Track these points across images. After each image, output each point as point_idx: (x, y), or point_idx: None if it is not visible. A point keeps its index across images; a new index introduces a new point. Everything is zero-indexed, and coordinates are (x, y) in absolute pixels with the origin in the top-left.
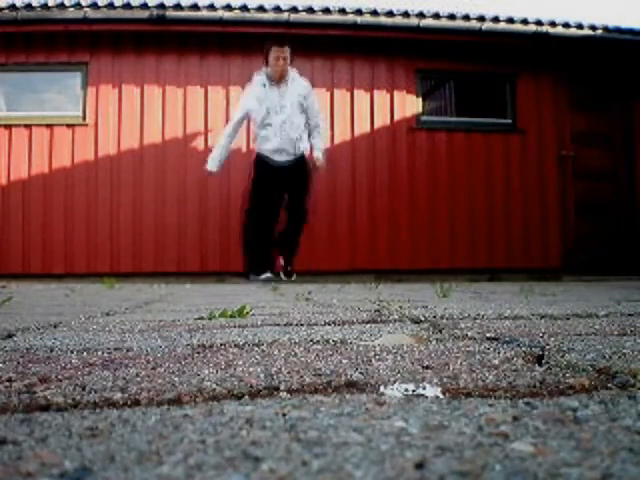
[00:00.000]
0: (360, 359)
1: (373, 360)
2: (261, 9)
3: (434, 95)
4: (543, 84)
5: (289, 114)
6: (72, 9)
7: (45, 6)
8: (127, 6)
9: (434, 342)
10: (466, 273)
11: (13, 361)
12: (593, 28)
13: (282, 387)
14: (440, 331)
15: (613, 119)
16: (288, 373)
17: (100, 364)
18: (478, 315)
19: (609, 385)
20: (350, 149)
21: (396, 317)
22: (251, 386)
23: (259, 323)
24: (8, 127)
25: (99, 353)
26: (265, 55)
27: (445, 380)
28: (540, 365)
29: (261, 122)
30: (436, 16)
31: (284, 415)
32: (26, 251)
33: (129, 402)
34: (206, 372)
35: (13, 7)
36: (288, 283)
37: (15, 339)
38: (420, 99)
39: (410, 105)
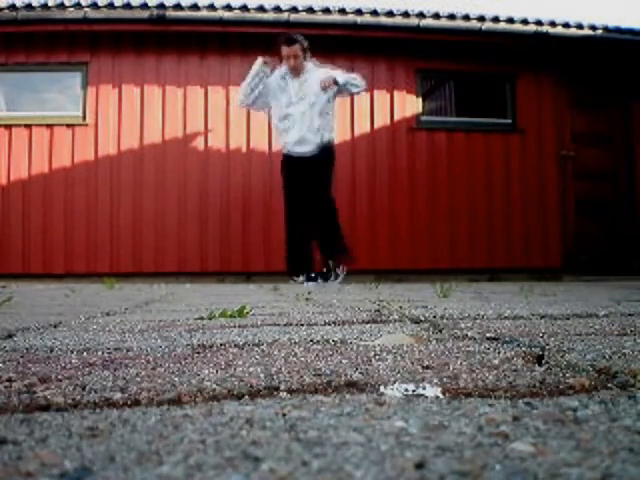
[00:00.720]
0: (360, 359)
1: (373, 360)
2: (261, 9)
3: (434, 95)
4: (543, 84)
5: (310, 103)
6: (72, 9)
7: (45, 6)
8: (127, 6)
9: (434, 342)
10: (466, 273)
11: (13, 361)
12: (593, 28)
13: (282, 387)
14: (440, 331)
15: (613, 119)
16: (288, 373)
17: (100, 364)
18: (478, 315)
19: (609, 385)
20: (350, 149)
21: (396, 317)
22: (251, 386)
23: (259, 323)
24: (8, 127)
25: (99, 353)
26: (278, 52)
27: (445, 380)
28: (540, 365)
29: (281, 114)
30: (436, 16)
31: (284, 415)
32: (26, 251)
33: (129, 402)
34: (206, 372)
35: (13, 7)
36: (323, 286)
37: (15, 339)
38: (420, 99)
39: (410, 105)
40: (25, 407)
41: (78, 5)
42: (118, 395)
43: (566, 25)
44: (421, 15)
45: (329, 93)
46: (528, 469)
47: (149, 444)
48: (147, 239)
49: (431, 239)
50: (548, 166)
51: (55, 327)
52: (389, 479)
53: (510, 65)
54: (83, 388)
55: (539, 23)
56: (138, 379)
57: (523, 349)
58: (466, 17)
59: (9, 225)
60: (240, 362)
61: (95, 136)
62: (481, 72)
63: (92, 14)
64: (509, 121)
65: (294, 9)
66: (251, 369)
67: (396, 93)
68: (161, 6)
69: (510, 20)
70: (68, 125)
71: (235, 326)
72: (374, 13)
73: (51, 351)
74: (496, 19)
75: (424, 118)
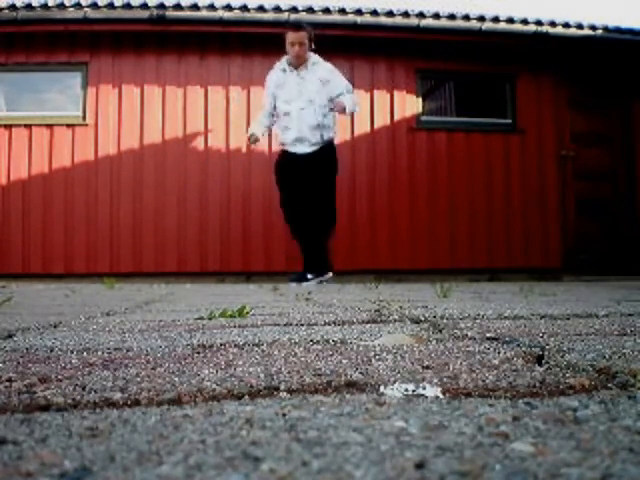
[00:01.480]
0: (360, 359)
1: (373, 360)
2: (261, 9)
3: (434, 95)
4: (543, 84)
5: (309, 100)
6: (72, 9)
7: (45, 6)
8: (127, 6)
9: (434, 342)
10: (466, 273)
11: (13, 361)
12: (593, 28)
13: (282, 387)
14: (440, 331)
15: (613, 119)
16: (288, 373)
17: (100, 364)
18: (478, 315)
19: (609, 385)
20: (350, 149)
21: (396, 317)
22: (251, 386)
23: (259, 323)
24: (8, 127)
25: (99, 353)
26: (284, 41)
27: (445, 380)
28: (540, 365)
29: (279, 111)
30: (436, 16)
31: (284, 415)
32: (26, 251)
33: (129, 402)
34: (206, 372)
35: (13, 7)
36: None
37: (15, 339)
38: (420, 99)
39: (410, 105)
40: (25, 407)
41: (78, 5)
42: (118, 395)
43: (566, 25)
44: (421, 15)
45: (328, 95)
46: (528, 469)
47: (149, 444)
48: (147, 239)
49: (431, 239)
50: (548, 166)
51: (55, 327)
52: (389, 479)
53: (510, 65)
54: (83, 388)
55: (539, 23)
56: (138, 379)
57: (523, 349)
58: (466, 17)
59: (9, 225)
60: (240, 362)
61: (95, 136)
62: (481, 72)
63: (92, 14)
64: (509, 121)
65: (294, 9)
66: (251, 369)
67: (396, 93)
68: (161, 6)
69: (510, 20)
70: (68, 125)
71: (235, 326)
72: (374, 13)
73: (51, 351)
74: (496, 19)
75: (424, 118)
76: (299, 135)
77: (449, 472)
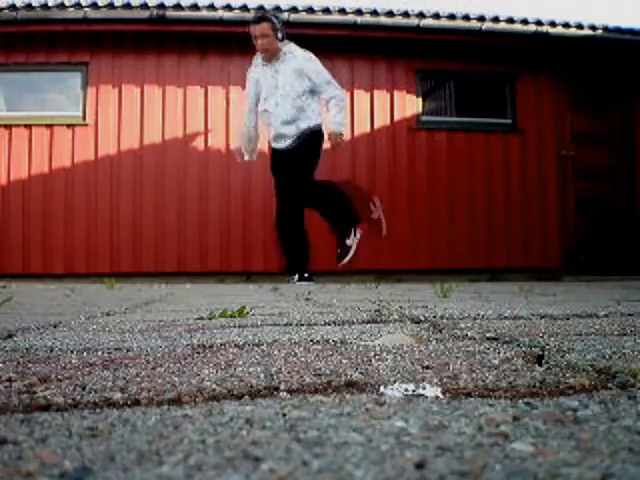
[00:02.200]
0: (360, 359)
1: (373, 360)
2: (261, 9)
3: (434, 95)
4: (543, 84)
5: (283, 94)
6: (72, 9)
7: (45, 6)
8: (127, 6)
9: (434, 342)
10: (466, 273)
11: (13, 361)
12: (593, 28)
13: (282, 387)
14: (440, 331)
15: (613, 119)
16: (288, 373)
17: (100, 364)
18: (478, 315)
19: (609, 385)
20: (350, 149)
21: (396, 317)
22: (251, 386)
23: (259, 323)
24: (8, 127)
25: (99, 353)
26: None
27: (445, 380)
28: (540, 365)
29: (261, 108)
30: (436, 16)
31: (284, 415)
32: (26, 251)
33: (129, 402)
34: (206, 372)
35: (13, 7)
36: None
37: (15, 339)
38: (420, 99)
39: (410, 105)
40: (25, 407)
41: (78, 5)
42: (118, 395)
43: (566, 25)
44: (421, 15)
45: (305, 85)
46: (528, 469)
47: (149, 444)
48: (147, 239)
49: (431, 239)
50: (548, 166)
51: (55, 327)
52: (389, 479)
53: (510, 65)
54: (83, 388)
55: (539, 23)
56: (138, 379)
57: (523, 349)
58: (466, 17)
59: (9, 225)
60: (240, 362)
61: (95, 136)
62: (481, 72)
63: (92, 14)
64: (509, 121)
65: (294, 9)
66: (251, 369)
67: (396, 93)
68: (161, 6)
69: (510, 20)
70: (68, 125)
71: (235, 326)
72: (374, 13)
73: (51, 351)
74: (496, 19)
75: (424, 118)
76: (277, 131)
77: (449, 472)
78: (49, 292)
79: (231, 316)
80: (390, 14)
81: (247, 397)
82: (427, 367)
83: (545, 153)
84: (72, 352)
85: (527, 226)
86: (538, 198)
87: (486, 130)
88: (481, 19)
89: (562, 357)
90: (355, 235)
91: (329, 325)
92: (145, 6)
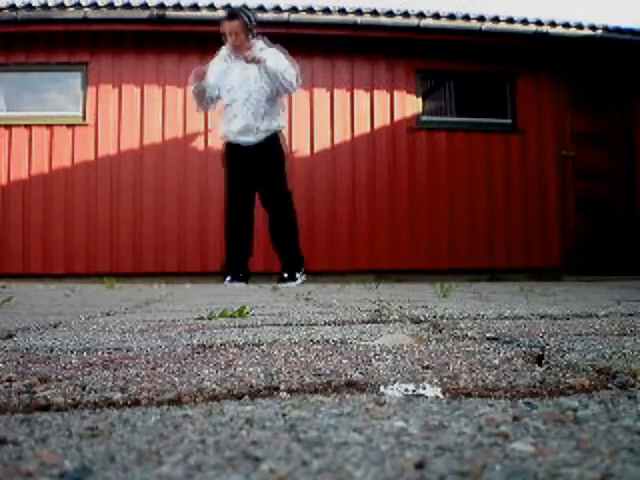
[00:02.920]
0: (360, 359)
1: (373, 360)
2: (261, 9)
3: (434, 95)
4: (543, 84)
5: (253, 89)
6: (72, 9)
7: (45, 6)
8: (127, 6)
9: (434, 342)
10: (466, 273)
11: (13, 361)
12: (593, 28)
13: (282, 387)
14: (440, 331)
15: (613, 119)
16: (288, 373)
17: (100, 364)
18: (478, 315)
19: (609, 385)
20: (350, 149)
21: (396, 317)
22: (251, 386)
23: (259, 323)
24: (8, 127)
25: (99, 353)
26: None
27: (445, 380)
28: (540, 365)
29: (224, 101)
30: (436, 16)
31: (284, 415)
32: (26, 251)
33: (129, 402)
34: (206, 372)
35: (13, 7)
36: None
37: (15, 339)
38: (420, 99)
39: (410, 105)
40: (25, 407)
41: (78, 5)
42: (118, 395)
43: (566, 25)
44: (421, 15)
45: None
46: (528, 469)
47: (149, 444)
48: (147, 239)
49: (431, 239)
50: (548, 166)
51: (55, 327)
52: (389, 479)
53: (510, 65)
54: (83, 388)
55: (539, 23)
56: (138, 379)
57: (523, 349)
58: (466, 17)
59: (9, 225)
60: (240, 362)
61: (95, 136)
62: (481, 72)
63: (92, 14)
64: (509, 121)
65: (294, 9)
66: (251, 369)
67: (396, 93)
68: (161, 6)
69: (510, 20)
70: (68, 125)
71: (235, 326)
72: (374, 13)
73: (51, 351)
74: (496, 19)
75: (424, 118)
76: (245, 125)
77: (449, 472)
78: (49, 292)
79: (231, 316)
80: (390, 14)
81: (247, 397)
82: (427, 367)
83: (545, 153)
84: (72, 352)
85: (527, 226)
86: (538, 198)
87: (486, 130)
88: (481, 19)
89: (562, 357)
90: (304, 274)
91: (329, 325)
92: (145, 6)
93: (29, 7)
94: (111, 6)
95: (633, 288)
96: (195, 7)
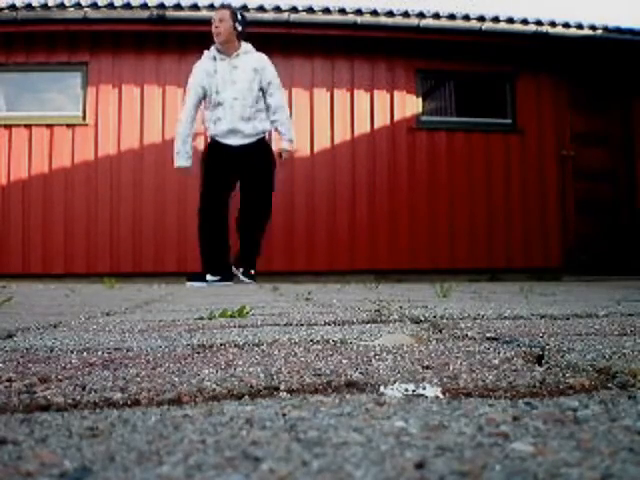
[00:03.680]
0: (360, 359)
1: (373, 360)
2: (261, 9)
3: (434, 95)
4: (543, 84)
5: (242, 89)
6: (72, 9)
7: (45, 6)
8: (127, 6)
9: (434, 342)
10: (466, 273)
11: (13, 361)
12: (593, 28)
13: (282, 387)
14: (440, 331)
15: (613, 119)
16: (288, 373)
17: (100, 364)
18: (478, 315)
19: (609, 385)
20: (350, 149)
21: (396, 317)
22: (251, 386)
23: (259, 323)
24: (8, 127)
25: (99, 353)
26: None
27: (445, 380)
28: (540, 365)
29: (211, 100)
30: (436, 16)
31: (284, 415)
32: (26, 251)
33: (129, 402)
34: (206, 372)
35: (13, 7)
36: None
37: (15, 339)
38: (420, 99)
39: (410, 105)
40: (25, 407)
41: (78, 5)
42: (118, 395)
43: (566, 25)
44: (421, 15)
45: (260, 84)
46: (528, 469)
47: (149, 444)
48: (147, 239)
49: (431, 239)
50: (548, 166)
51: (55, 327)
52: (389, 479)
53: (510, 65)
54: (83, 388)
55: (539, 23)
56: (138, 379)
57: (523, 349)
58: (466, 17)
59: (9, 225)
60: (240, 362)
61: (95, 136)
62: (481, 72)
63: (92, 14)
64: (509, 121)
65: (294, 9)
66: (251, 369)
67: (396, 93)
68: (161, 6)
69: (510, 20)
70: (68, 125)
71: (235, 326)
72: (374, 13)
73: (51, 351)
74: (496, 19)
75: (424, 118)
76: (232, 126)
77: (449, 472)
78: (49, 292)
79: (231, 316)
80: (390, 14)
81: (247, 397)
82: (427, 367)
83: (545, 153)
84: (72, 352)
85: (527, 226)
86: (538, 198)
87: (486, 130)
88: (481, 19)
89: (562, 357)
90: (255, 276)
91: (329, 325)
92: (145, 6)
93: (29, 7)
94: (111, 6)
95: (633, 288)
96: (195, 7)
